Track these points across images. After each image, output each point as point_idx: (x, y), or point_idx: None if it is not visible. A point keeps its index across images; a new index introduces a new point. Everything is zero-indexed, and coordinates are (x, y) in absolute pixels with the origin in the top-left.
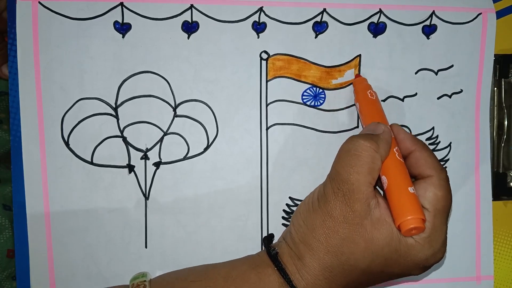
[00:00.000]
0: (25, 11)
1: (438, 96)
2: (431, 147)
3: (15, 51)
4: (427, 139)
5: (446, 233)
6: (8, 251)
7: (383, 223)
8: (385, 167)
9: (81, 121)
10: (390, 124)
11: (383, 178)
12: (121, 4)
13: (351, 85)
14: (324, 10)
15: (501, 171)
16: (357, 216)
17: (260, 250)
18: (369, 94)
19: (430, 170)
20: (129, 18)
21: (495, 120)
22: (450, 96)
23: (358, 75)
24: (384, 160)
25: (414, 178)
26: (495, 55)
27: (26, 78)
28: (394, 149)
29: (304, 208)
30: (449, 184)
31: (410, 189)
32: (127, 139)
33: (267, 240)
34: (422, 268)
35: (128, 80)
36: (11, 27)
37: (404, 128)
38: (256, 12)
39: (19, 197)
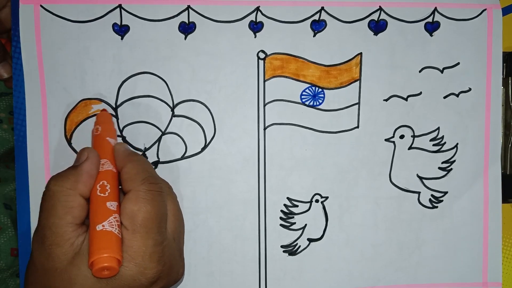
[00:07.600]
0: (28, 14)
1: (445, 95)
2: (435, 148)
3: (19, 53)
4: (431, 140)
5: (159, 246)
6: (12, 250)
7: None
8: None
9: (83, 121)
10: (117, 143)
11: None
12: (120, 6)
13: (352, 85)
14: (322, 8)
15: (508, 173)
16: (57, 261)
17: (258, 250)
18: (94, 130)
19: (129, 184)
20: (127, 20)
21: (501, 120)
22: (457, 95)
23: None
24: (87, 193)
25: None
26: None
27: (31, 80)
28: (98, 185)
29: None
30: (152, 196)
31: (98, 227)
32: (126, 138)
33: None
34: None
35: (127, 81)
36: (15, 30)
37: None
38: (253, 12)
39: (23, 196)
